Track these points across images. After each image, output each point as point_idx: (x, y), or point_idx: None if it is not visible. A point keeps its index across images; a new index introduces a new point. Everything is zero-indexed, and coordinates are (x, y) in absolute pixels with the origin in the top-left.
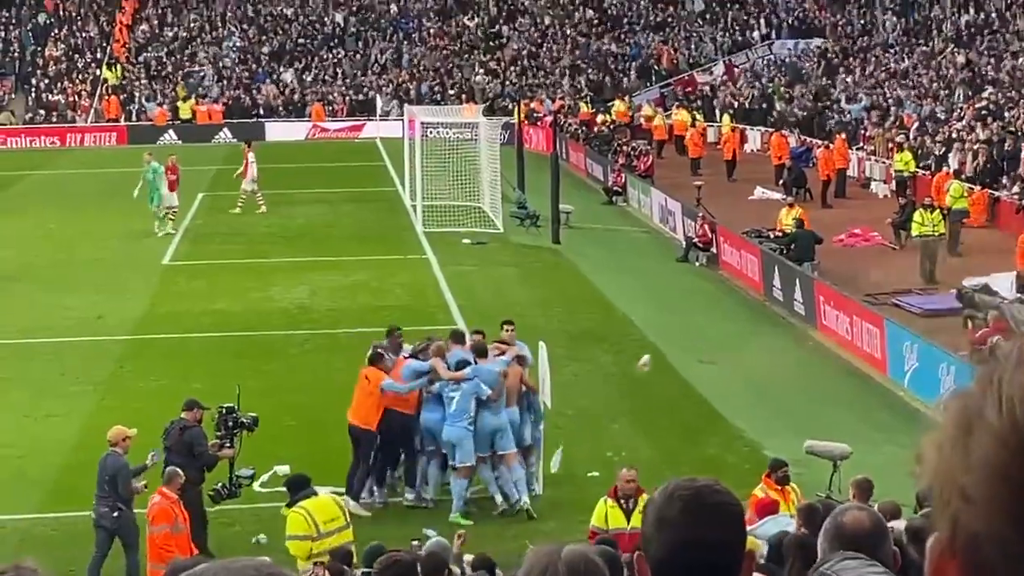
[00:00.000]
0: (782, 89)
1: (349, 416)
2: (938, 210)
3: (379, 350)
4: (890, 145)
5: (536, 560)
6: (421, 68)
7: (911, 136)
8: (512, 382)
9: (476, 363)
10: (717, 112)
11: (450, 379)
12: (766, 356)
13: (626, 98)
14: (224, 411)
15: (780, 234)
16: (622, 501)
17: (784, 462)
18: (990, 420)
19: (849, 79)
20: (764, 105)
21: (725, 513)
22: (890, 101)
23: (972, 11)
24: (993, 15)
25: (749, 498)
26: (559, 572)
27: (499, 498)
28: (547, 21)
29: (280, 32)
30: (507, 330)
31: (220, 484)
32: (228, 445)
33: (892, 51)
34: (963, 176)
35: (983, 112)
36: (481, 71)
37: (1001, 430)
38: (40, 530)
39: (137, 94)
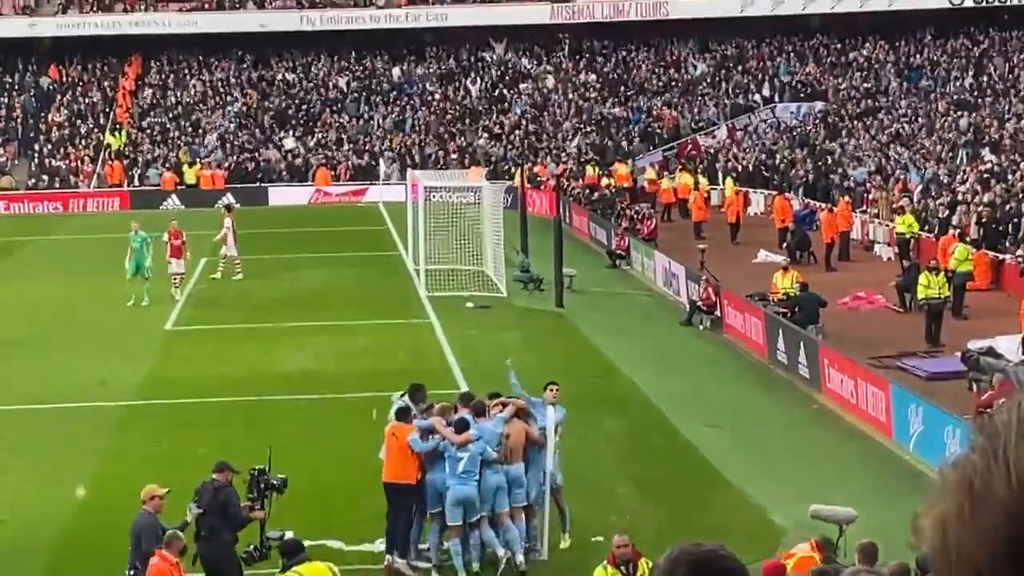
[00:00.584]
0: (785, 152)
1: (385, 476)
2: (943, 272)
3: (405, 405)
4: (893, 207)
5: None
6: (424, 132)
7: (915, 199)
8: (516, 438)
9: (476, 422)
10: (720, 175)
11: (458, 443)
12: (771, 420)
13: (628, 161)
14: (256, 472)
15: (784, 297)
16: (621, 567)
17: (834, 546)
18: (1000, 493)
19: (852, 142)
20: (766, 168)
21: None
22: (893, 164)
23: (973, 75)
24: (996, 78)
25: (784, 555)
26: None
27: (500, 552)
28: (549, 85)
29: (283, 97)
30: (551, 390)
31: (252, 547)
32: (259, 507)
33: (895, 114)
34: (967, 239)
35: (986, 175)
36: (484, 135)
37: (1012, 504)
38: None
39: (140, 159)
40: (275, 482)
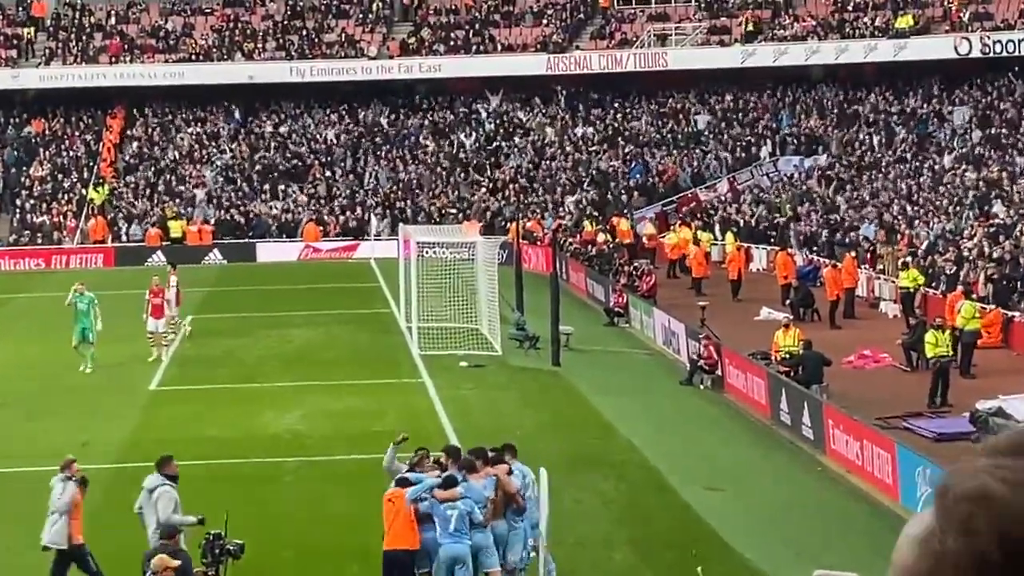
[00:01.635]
0: (788, 206)
1: (387, 544)
2: (949, 330)
3: (405, 476)
4: (900, 263)
5: None
6: (416, 186)
7: (920, 254)
8: (500, 499)
9: (465, 479)
10: (718, 230)
11: (443, 499)
12: (773, 482)
13: (628, 216)
14: (212, 537)
15: (786, 356)
16: None
17: None
18: None
19: (856, 196)
20: (769, 223)
21: None
22: (899, 219)
23: (980, 126)
24: (1004, 130)
25: None
26: None
27: None
28: (545, 138)
29: (271, 150)
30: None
31: None
32: (212, 572)
33: (900, 167)
34: (975, 296)
35: (994, 230)
36: (479, 189)
37: None
38: None
39: (123, 215)
40: (231, 547)
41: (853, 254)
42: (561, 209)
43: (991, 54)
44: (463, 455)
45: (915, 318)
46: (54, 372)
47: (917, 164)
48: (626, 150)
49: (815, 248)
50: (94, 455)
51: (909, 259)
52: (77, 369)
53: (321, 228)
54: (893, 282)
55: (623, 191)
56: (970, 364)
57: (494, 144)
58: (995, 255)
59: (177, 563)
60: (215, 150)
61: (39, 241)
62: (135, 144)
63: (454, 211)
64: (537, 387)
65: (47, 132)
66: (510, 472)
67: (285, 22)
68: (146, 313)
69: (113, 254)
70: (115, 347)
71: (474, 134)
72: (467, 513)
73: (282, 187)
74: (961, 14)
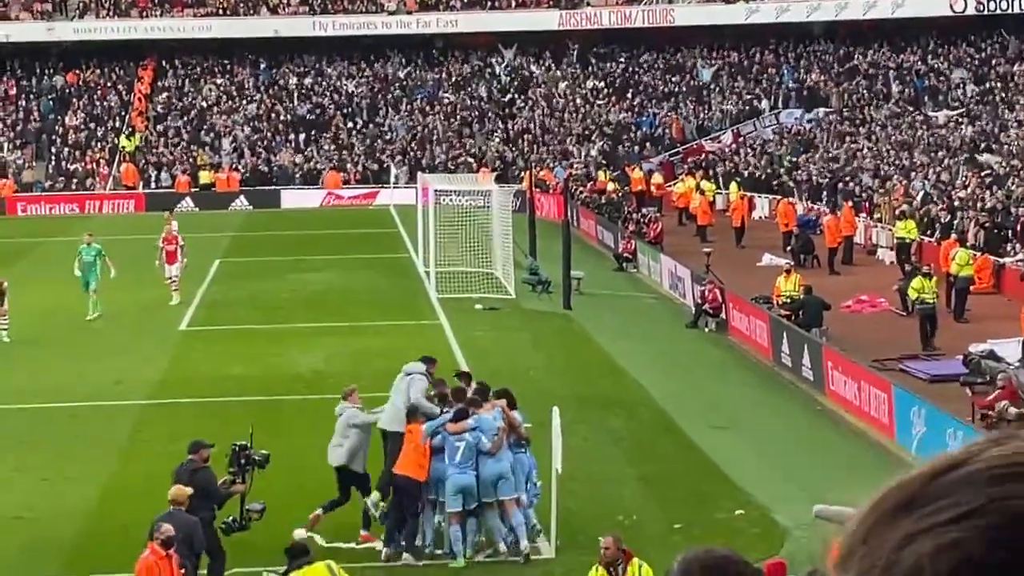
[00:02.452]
0: (789, 158)
1: (397, 468)
2: (935, 278)
3: (412, 406)
4: (896, 213)
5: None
6: (434, 136)
7: (915, 204)
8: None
9: (475, 412)
10: (720, 180)
11: (454, 432)
12: (775, 421)
13: (639, 166)
14: (237, 448)
15: (787, 300)
16: (610, 568)
17: None
18: None
19: (854, 148)
20: (771, 174)
21: None
22: (895, 170)
23: (975, 82)
24: (998, 84)
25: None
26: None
27: (503, 547)
28: (558, 91)
29: (296, 101)
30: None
31: (231, 518)
32: (240, 481)
33: (898, 120)
34: (967, 244)
35: (987, 180)
36: (493, 139)
37: None
38: None
39: (153, 163)
40: (257, 457)
41: (851, 203)
42: (572, 159)
43: (985, 11)
44: (471, 388)
45: (911, 265)
46: (87, 313)
47: (913, 117)
48: (634, 102)
49: (814, 197)
50: (127, 392)
51: (906, 208)
52: (88, 319)
53: (342, 176)
54: (890, 230)
55: (631, 142)
56: (963, 309)
57: (508, 96)
58: (988, 204)
59: (189, 490)
60: (241, 101)
61: (73, 187)
62: (165, 95)
63: (469, 161)
64: (549, 329)
65: (80, 83)
66: (513, 407)
67: None
68: (159, 260)
69: (144, 200)
70: (145, 290)
71: (489, 87)
72: (475, 444)
73: (305, 137)
74: None
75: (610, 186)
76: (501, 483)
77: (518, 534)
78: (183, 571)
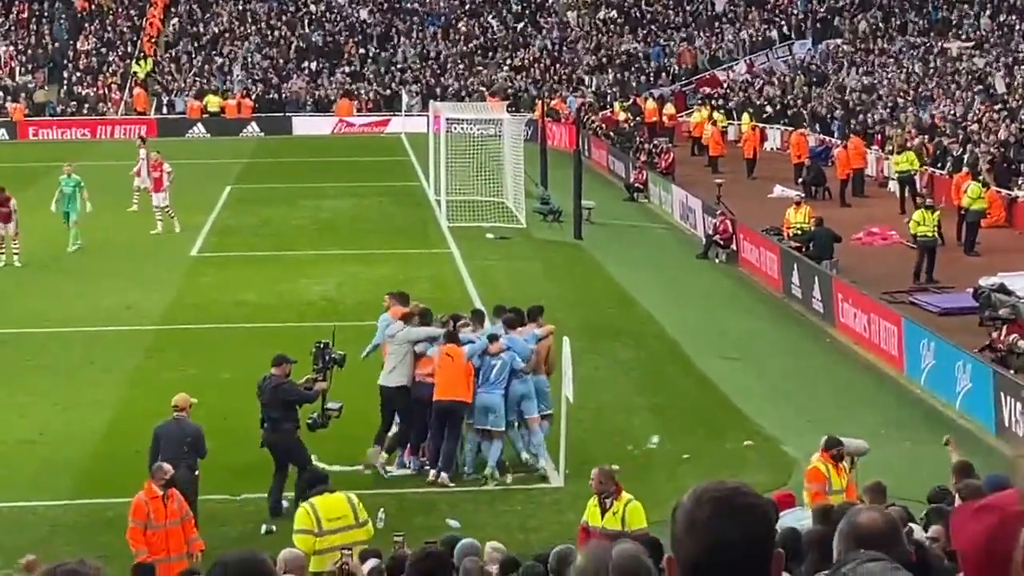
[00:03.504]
0: (803, 89)
1: (440, 395)
2: (938, 211)
3: (452, 329)
4: (908, 146)
5: (588, 560)
6: (447, 65)
7: (928, 137)
8: (542, 354)
9: (507, 334)
10: (733, 111)
11: (493, 351)
12: (785, 353)
13: (648, 97)
14: (321, 345)
15: (798, 232)
16: (604, 500)
17: (839, 440)
18: None
19: (867, 80)
20: (783, 105)
21: (754, 515)
22: (907, 102)
23: (990, 15)
24: (1014, 18)
25: (807, 471)
26: (609, 572)
27: (525, 455)
28: (570, 20)
29: (308, 28)
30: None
31: (316, 414)
32: (322, 379)
33: (910, 54)
34: (980, 177)
35: (1000, 112)
36: (506, 68)
37: None
38: (70, 517)
39: (167, 88)
40: (336, 356)
41: (862, 135)
42: (584, 89)
43: None
44: (505, 312)
45: (921, 198)
46: (100, 238)
47: (927, 49)
48: (647, 32)
49: (826, 129)
50: (138, 318)
51: (906, 141)
52: (69, 249)
53: (354, 104)
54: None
55: (643, 73)
56: (974, 242)
57: (520, 25)
58: (1000, 137)
59: (195, 400)
60: (253, 27)
61: (85, 112)
62: (177, 20)
63: (481, 89)
64: (559, 259)
65: (93, 7)
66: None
67: None
68: (141, 187)
69: (155, 125)
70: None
71: (501, 15)
72: (509, 363)
73: (316, 64)
74: None
75: (622, 116)
76: (525, 402)
77: (539, 453)
78: (196, 474)
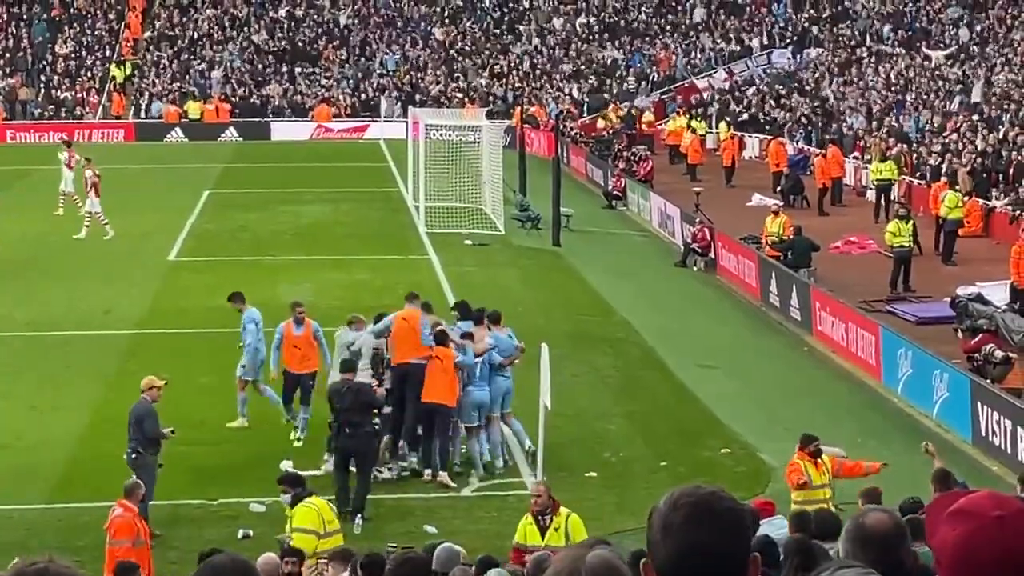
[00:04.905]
0: (780, 97)
1: (427, 397)
2: (912, 221)
3: (442, 329)
4: (886, 155)
5: (561, 565)
6: (425, 70)
7: (902, 148)
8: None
9: (492, 331)
10: (712, 119)
11: (480, 352)
12: (762, 361)
13: (625, 104)
14: (380, 351)
15: (778, 240)
16: (538, 517)
17: (814, 436)
18: None
19: (845, 89)
20: (762, 113)
21: (730, 519)
22: (885, 111)
23: (968, 25)
24: (994, 28)
25: (787, 467)
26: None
27: (487, 458)
28: (550, 27)
29: (287, 33)
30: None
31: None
32: (379, 384)
33: (889, 62)
34: (957, 187)
35: (977, 123)
36: (484, 74)
37: None
38: (46, 521)
39: (145, 92)
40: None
41: (839, 144)
42: (562, 96)
43: None
44: (486, 311)
45: (900, 206)
46: (76, 242)
47: (906, 58)
48: (625, 40)
49: (805, 138)
50: (116, 322)
51: (886, 150)
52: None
53: (332, 110)
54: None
55: (621, 80)
56: (952, 252)
57: (499, 31)
58: (978, 147)
59: (163, 381)
60: (232, 32)
61: (63, 115)
62: (156, 24)
63: (459, 95)
64: (538, 266)
65: (72, 10)
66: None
67: None
68: (88, 193)
69: (133, 129)
70: (135, 218)
71: (480, 21)
72: (487, 362)
73: (295, 69)
74: None
75: (600, 123)
76: (507, 397)
77: (497, 453)
78: (134, 456)
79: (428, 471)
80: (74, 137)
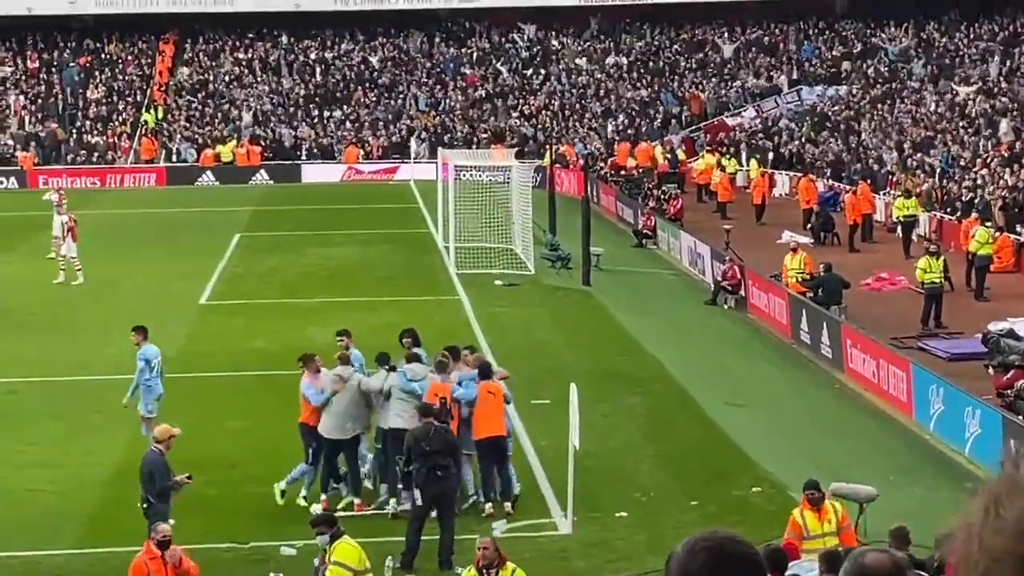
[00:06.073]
0: (810, 134)
1: (486, 432)
2: (943, 257)
3: (486, 363)
4: (917, 191)
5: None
6: (455, 112)
7: (933, 182)
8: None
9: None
10: (744, 156)
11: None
12: (793, 398)
13: (657, 143)
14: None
15: (808, 277)
16: (483, 571)
17: (813, 483)
18: (1019, 501)
19: (875, 125)
20: (792, 150)
21: (747, 565)
22: (915, 147)
23: (1000, 59)
24: (1022, 62)
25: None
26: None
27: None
28: (579, 67)
29: (317, 76)
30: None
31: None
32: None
33: (919, 98)
34: (988, 222)
35: (1008, 158)
36: (514, 115)
37: None
38: (76, 566)
39: (176, 136)
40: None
41: (868, 181)
42: (593, 135)
43: None
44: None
45: (933, 243)
46: (108, 286)
47: (935, 94)
48: (655, 79)
49: (835, 175)
50: None
51: (915, 186)
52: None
53: (362, 151)
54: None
55: (651, 119)
56: (983, 287)
57: (529, 72)
58: (1009, 183)
59: (177, 430)
60: (262, 75)
61: (94, 160)
62: (186, 69)
63: (486, 135)
64: (568, 305)
65: (103, 57)
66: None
67: None
68: (59, 237)
69: (165, 174)
70: (167, 262)
71: (510, 62)
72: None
73: (326, 112)
74: None
75: (630, 163)
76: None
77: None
78: (146, 506)
79: (489, 505)
80: (106, 182)
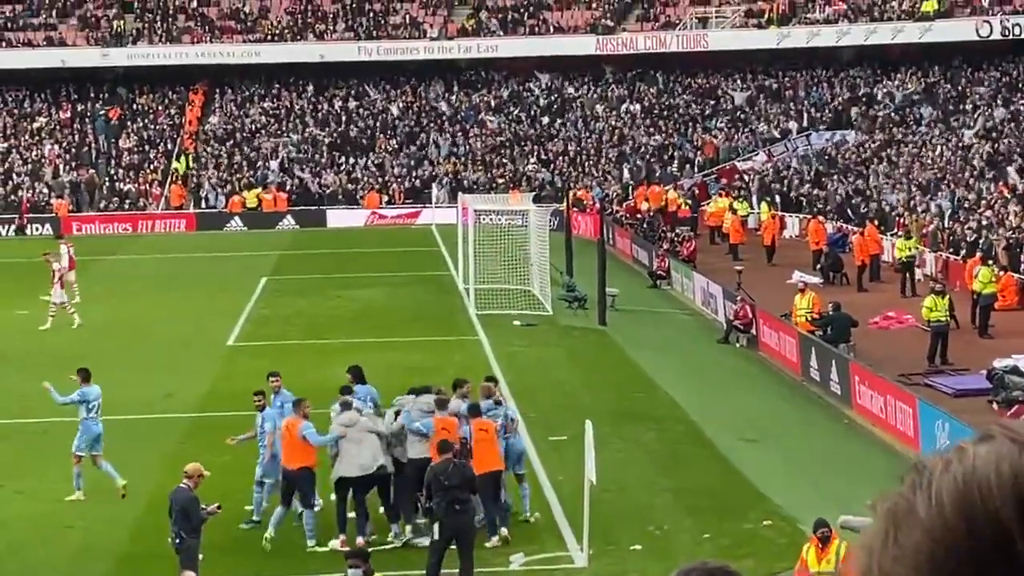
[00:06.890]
0: (819, 178)
1: (484, 467)
2: (948, 295)
3: (475, 402)
4: (924, 232)
5: None
6: (474, 158)
7: (939, 224)
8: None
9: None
10: (754, 200)
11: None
12: (803, 434)
13: (671, 187)
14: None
15: (817, 317)
16: None
17: (823, 522)
18: (920, 515)
19: (883, 168)
20: (801, 194)
21: None
22: (922, 190)
23: (1003, 104)
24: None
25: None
26: None
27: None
28: (594, 114)
29: (340, 124)
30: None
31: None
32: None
33: (924, 142)
34: (992, 262)
35: (1011, 199)
36: (532, 160)
37: (930, 523)
38: None
39: (205, 184)
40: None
41: (876, 222)
42: (608, 179)
43: (1011, 36)
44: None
45: (938, 283)
46: (139, 328)
47: (941, 139)
48: (669, 125)
49: (843, 217)
50: (177, 405)
51: (911, 228)
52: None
53: (385, 196)
54: (917, 248)
55: (664, 164)
56: (988, 325)
57: (546, 119)
58: (1012, 223)
59: (208, 473)
60: (288, 124)
61: (126, 207)
62: (215, 118)
63: (503, 181)
64: (584, 345)
65: (135, 106)
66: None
67: (354, 5)
68: (55, 284)
69: (195, 219)
70: (197, 305)
71: (527, 110)
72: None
73: (349, 159)
74: None
75: (644, 206)
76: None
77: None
78: (178, 542)
79: (496, 538)
80: (138, 228)
